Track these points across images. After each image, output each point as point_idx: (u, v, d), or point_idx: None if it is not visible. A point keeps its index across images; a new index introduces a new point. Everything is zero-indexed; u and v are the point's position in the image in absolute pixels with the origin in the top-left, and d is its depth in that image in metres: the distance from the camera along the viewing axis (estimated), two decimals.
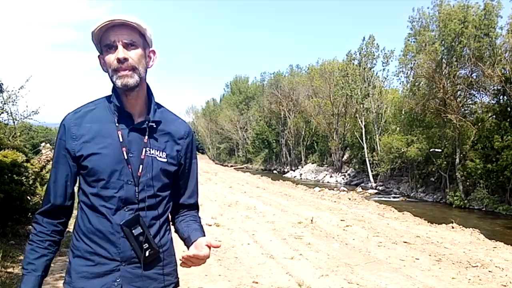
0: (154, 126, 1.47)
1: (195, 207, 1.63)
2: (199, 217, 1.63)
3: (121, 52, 1.38)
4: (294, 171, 41.52)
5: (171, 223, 1.59)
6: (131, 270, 1.41)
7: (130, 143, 1.43)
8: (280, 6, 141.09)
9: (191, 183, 1.60)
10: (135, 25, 1.40)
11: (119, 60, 1.38)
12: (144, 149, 1.44)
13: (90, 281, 1.40)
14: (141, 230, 1.39)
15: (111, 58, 1.40)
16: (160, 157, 1.47)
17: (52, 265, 1.51)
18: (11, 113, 9.41)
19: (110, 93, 1.50)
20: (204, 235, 1.50)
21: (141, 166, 1.43)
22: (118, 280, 1.40)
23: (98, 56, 1.47)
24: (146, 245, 1.40)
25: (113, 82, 1.42)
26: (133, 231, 1.38)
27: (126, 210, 1.41)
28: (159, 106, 1.54)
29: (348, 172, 35.02)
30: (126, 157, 1.41)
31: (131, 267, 1.41)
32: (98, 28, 1.38)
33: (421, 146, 24.00)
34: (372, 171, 30.58)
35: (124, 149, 1.42)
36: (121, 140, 1.42)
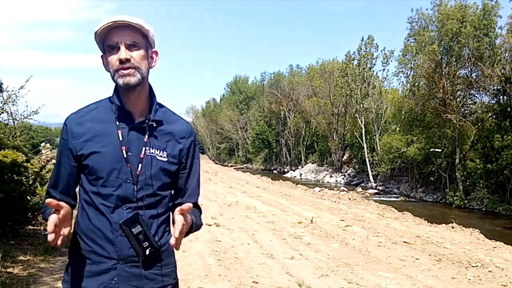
0: (155, 125, 1.48)
1: (195, 206, 1.60)
2: (198, 211, 1.60)
3: (123, 53, 1.39)
4: (294, 171, 41.54)
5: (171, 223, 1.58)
6: (128, 269, 1.41)
7: (129, 142, 1.44)
8: (281, 6, 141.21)
9: (192, 182, 1.57)
10: (138, 26, 1.41)
11: (121, 61, 1.39)
12: (144, 148, 1.45)
13: (88, 279, 1.41)
14: (141, 229, 1.39)
15: (113, 58, 1.41)
16: (161, 156, 1.47)
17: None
18: (11, 113, 9.41)
19: (112, 93, 1.51)
20: (195, 220, 1.47)
21: (140, 165, 1.43)
22: (115, 279, 1.40)
23: (101, 56, 1.48)
24: (146, 244, 1.39)
25: (115, 81, 1.43)
26: (133, 229, 1.37)
27: (124, 208, 1.41)
28: (161, 106, 1.55)
29: (348, 172, 35.03)
30: (125, 156, 1.42)
31: (128, 265, 1.41)
32: (101, 29, 1.39)
33: (421, 146, 24.02)
34: (372, 171, 30.59)
35: (123, 148, 1.42)
36: (121, 139, 1.43)
